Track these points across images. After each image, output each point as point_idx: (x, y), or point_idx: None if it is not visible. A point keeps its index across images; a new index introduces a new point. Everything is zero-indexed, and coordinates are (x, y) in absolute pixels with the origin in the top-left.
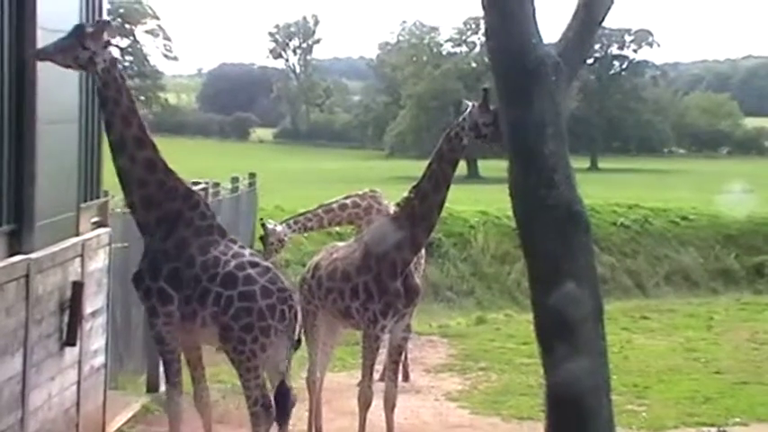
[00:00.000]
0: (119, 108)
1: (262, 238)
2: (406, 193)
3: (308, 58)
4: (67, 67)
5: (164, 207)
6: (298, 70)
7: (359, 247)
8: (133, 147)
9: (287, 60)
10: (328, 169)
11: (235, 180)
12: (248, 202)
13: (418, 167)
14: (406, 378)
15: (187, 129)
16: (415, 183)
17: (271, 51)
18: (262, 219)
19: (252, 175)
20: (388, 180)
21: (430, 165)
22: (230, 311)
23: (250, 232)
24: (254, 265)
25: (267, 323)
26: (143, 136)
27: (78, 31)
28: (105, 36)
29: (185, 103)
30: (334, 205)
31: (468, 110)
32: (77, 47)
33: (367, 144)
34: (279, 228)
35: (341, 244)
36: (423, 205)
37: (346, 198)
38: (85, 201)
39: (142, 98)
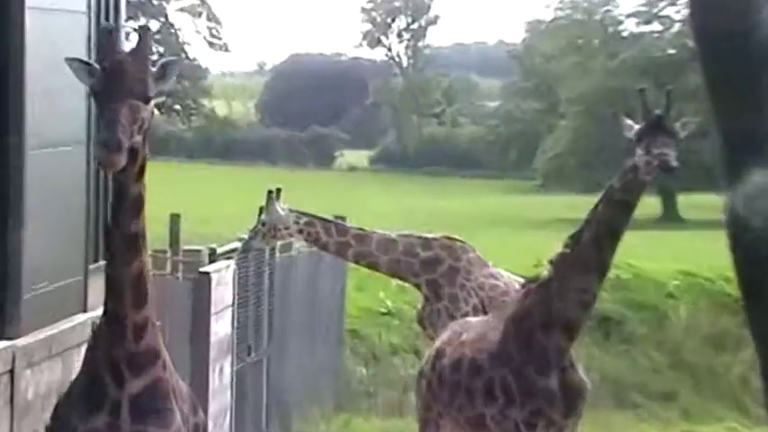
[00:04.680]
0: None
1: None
2: (559, 248)
3: (420, 44)
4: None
5: None
6: (405, 63)
7: (496, 325)
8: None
9: (389, 49)
10: (452, 209)
11: None
12: (334, 258)
13: (585, 206)
14: None
15: (243, 151)
16: (572, 233)
17: (365, 36)
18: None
19: (338, 219)
20: (541, 224)
21: (595, 208)
22: None
23: (337, 306)
24: None
25: None
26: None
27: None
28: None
29: (240, 113)
30: (375, 236)
31: (633, 131)
32: (143, 108)
33: (509, 171)
34: (284, 214)
35: (473, 320)
36: (580, 267)
37: (405, 236)
38: (97, 260)
39: (177, 107)
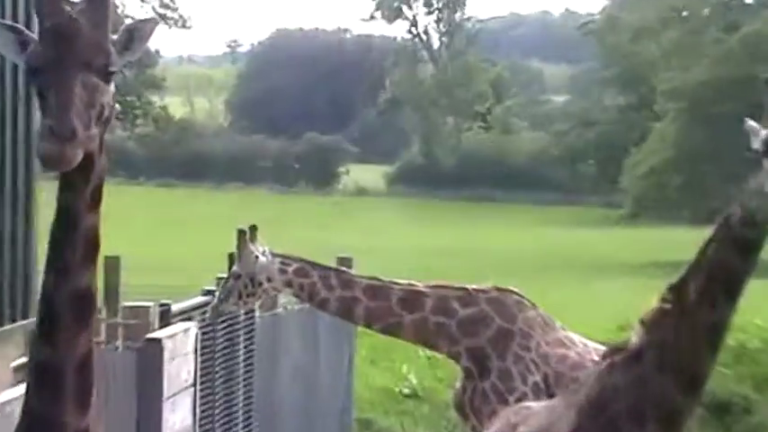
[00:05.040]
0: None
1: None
2: (655, 304)
3: (458, 16)
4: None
5: None
6: (436, 43)
7: (565, 412)
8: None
9: (413, 24)
10: (502, 248)
11: None
12: (337, 320)
13: (693, 244)
14: None
15: (209, 167)
16: (673, 282)
17: (379, 5)
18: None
19: (343, 263)
20: (630, 269)
21: (705, 247)
22: None
23: (343, 386)
24: None
25: None
26: None
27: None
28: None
29: (205, 114)
30: (394, 288)
31: (760, 138)
32: (103, 88)
33: (585, 195)
34: (264, 261)
35: (534, 405)
36: (685, 330)
37: (438, 288)
38: (2, 324)
39: (117, 106)
